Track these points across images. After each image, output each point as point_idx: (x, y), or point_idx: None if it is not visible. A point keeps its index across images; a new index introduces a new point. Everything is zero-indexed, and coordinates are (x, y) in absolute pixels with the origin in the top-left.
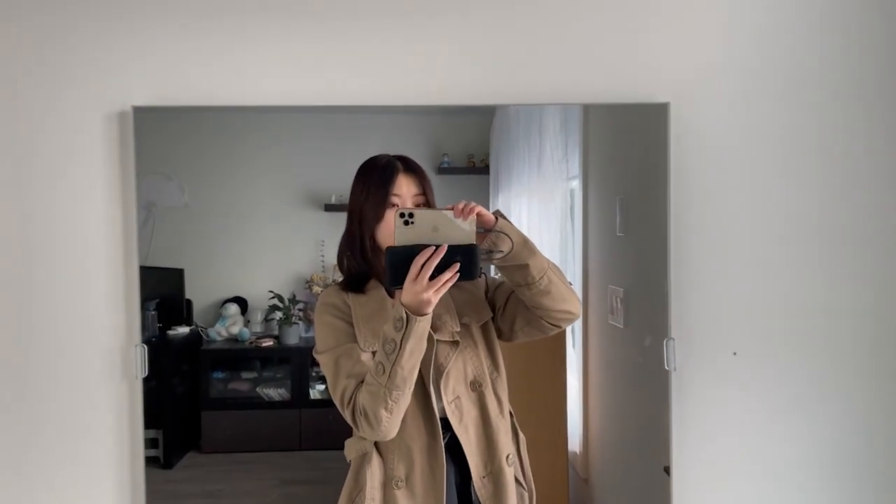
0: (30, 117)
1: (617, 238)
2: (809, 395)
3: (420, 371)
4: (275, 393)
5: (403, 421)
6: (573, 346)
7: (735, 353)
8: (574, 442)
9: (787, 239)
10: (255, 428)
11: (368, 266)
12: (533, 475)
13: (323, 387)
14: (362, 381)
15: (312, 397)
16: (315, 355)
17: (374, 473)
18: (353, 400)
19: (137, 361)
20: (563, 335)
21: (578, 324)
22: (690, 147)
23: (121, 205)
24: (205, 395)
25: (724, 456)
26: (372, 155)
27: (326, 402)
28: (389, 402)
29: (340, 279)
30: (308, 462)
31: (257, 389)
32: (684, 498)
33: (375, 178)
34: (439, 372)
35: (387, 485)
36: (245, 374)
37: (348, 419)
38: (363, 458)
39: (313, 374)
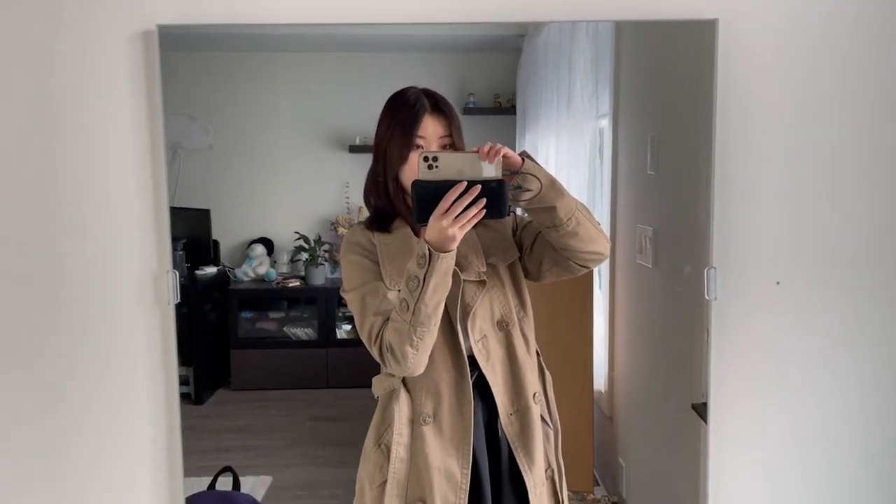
0: (49, 40)
1: (647, 176)
2: (857, 329)
3: (447, 310)
4: (302, 332)
5: (431, 358)
6: (599, 287)
7: (778, 283)
8: (599, 381)
9: (835, 165)
10: (283, 366)
11: (393, 206)
12: (558, 414)
13: (349, 327)
14: (388, 319)
15: (339, 337)
16: (342, 294)
17: (401, 410)
18: (379, 337)
19: (170, 287)
20: (589, 276)
21: (606, 264)
22: (736, 69)
23: (148, 129)
24: (233, 334)
25: (764, 390)
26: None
27: (353, 342)
28: (414, 338)
29: (367, 217)
30: (335, 399)
31: (284, 329)
32: (721, 433)
33: (401, 117)
34: (466, 311)
35: (414, 421)
36: (272, 314)
37: (376, 356)
38: (391, 395)
39: (339, 314)
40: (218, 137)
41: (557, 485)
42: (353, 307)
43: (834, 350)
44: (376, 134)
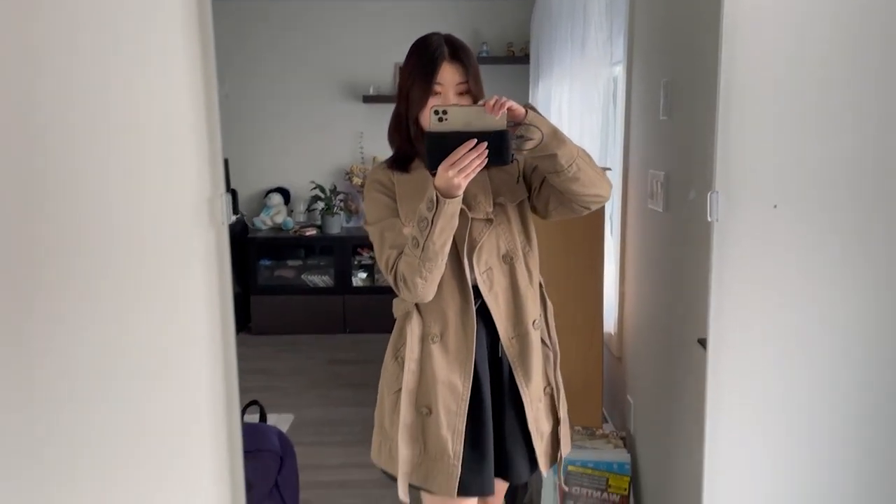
0: None
1: (660, 122)
2: (856, 252)
3: (455, 244)
4: (319, 280)
5: (440, 287)
6: (611, 233)
7: (775, 206)
8: (609, 324)
9: (840, 86)
10: (302, 312)
11: (412, 147)
12: (570, 356)
13: (365, 275)
14: (402, 252)
15: (354, 284)
16: (364, 227)
17: (413, 330)
18: (394, 268)
19: (223, 208)
20: (602, 223)
21: (618, 210)
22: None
23: (200, 59)
24: (253, 281)
25: (764, 313)
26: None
27: (368, 290)
28: (423, 271)
29: (389, 156)
30: (352, 344)
31: (302, 276)
32: (721, 357)
33: (421, 64)
34: (473, 246)
35: (424, 339)
36: (290, 262)
37: (391, 283)
38: (406, 316)
39: (355, 262)
40: (233, 87)
41: (556, 401)
42: (373, 239)
43: (835, 270)
44: (400, 77)
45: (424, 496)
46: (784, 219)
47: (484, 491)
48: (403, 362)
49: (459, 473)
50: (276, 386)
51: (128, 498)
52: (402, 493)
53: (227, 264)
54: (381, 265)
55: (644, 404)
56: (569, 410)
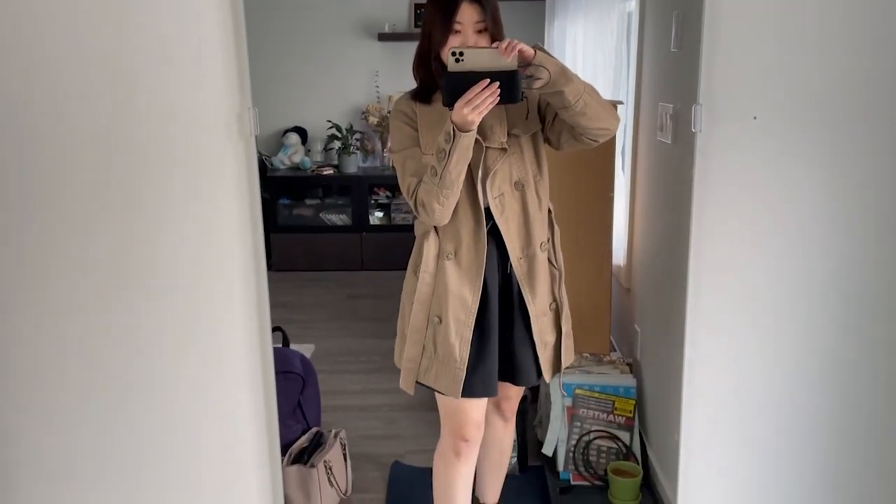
0: None
1: (671, 54)
2: (832, 162)
3: (471, 171)
4: (337, 218)
5: (455, 211)
6: (623, 169)
7: (755, 118)
8: (619, 257)
9: (822, 8)
10: (321, 250)
11: (434, 81)
12: (579, 287)
13: (381, 214)
14: (422, 180)
15: (372, 223)
16: (388, 154)
17: (430, 248)
18: (415, 193)
19: (251, 121)
20: (612, 157)
21: (629, 145)
22: None
23: None
24: (272, 219)
25: (743, 217)
26: None
27: (385, 228)
28: (441, 197)
29: (413, 88)
30: (370, 280)
31: (320, 215)
32: (700, 265)
33: (442, 4)
34: (487, 173)
35: (440, 256)
36: (309, 201)
37: (412, 207)
38: (425, 236)
39: (372, 201)
40: (249, 26)
41: (560, 316)
42: (396, 166)
43: (813, 178)
44: (424, 14)
45: (438, 397)
46: (763, 130)
47: (487, 393)
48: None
49: (464, 377)
50: (298, 319)
51: (169, 402)
52: (403, 384)
53: (255, 171)
54: (403, 191)
55: (650, 333)
56: (579, 339)
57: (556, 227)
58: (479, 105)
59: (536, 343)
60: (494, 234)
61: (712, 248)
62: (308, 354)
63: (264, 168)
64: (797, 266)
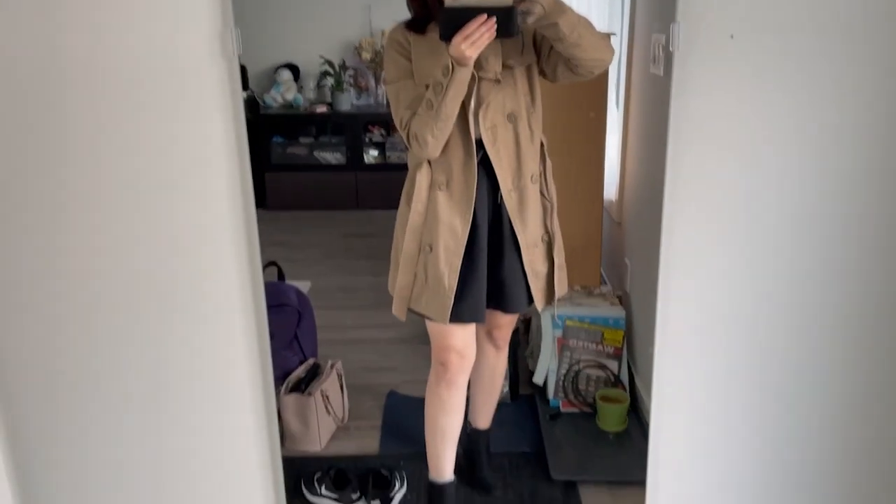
0: None
1: None
2: (810, 81)
3: (463, 102)
4: (331, 157)
5: (447, 142)
6: (617, 106)
7: (732, 37)
8: (610, 191)
9: None
10: (315, 189)
11: (429, 11)
12: (571, 220)
13: (376, 152)
14: (416, 112)
15: (366, 161)
16: (384, 84)
17: (422, 178)
18: (408, 126)
19: (234, 41)
20: (604, 91)
21: (622, 77)
22: None
23: None
24: (266, 158)
25: (719, 138)
26: None
27: (380, 166)
28: (435, 130)
29: (408, 18)
30: (365, 219)
31: (314, 154)
32: (677, 184)
33: None
34: (479, 104)
35: (432, 187)
36: (302, 139)
37: (404, 139)
38: (418, 167)
39: (366, 139)
40: None
41: (553, 248)
42: (390, 97)
43: (789, 98)
44: None
45: (427, 323)
46: (741, 49)
47: (475, 319)
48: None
49: (452, 304)
50: (293, 258)
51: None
52: (396, 310)
53: (240, 92)
54: (396, 122)
55: (640, 266)
56: (569, 272)
57: (547, 160)
58: (476, 40)
59: (528, 273)
60: (486, 166)
61: (689, 164)
62: (305, 291)
63: (256, 106)
64: (774, 188)
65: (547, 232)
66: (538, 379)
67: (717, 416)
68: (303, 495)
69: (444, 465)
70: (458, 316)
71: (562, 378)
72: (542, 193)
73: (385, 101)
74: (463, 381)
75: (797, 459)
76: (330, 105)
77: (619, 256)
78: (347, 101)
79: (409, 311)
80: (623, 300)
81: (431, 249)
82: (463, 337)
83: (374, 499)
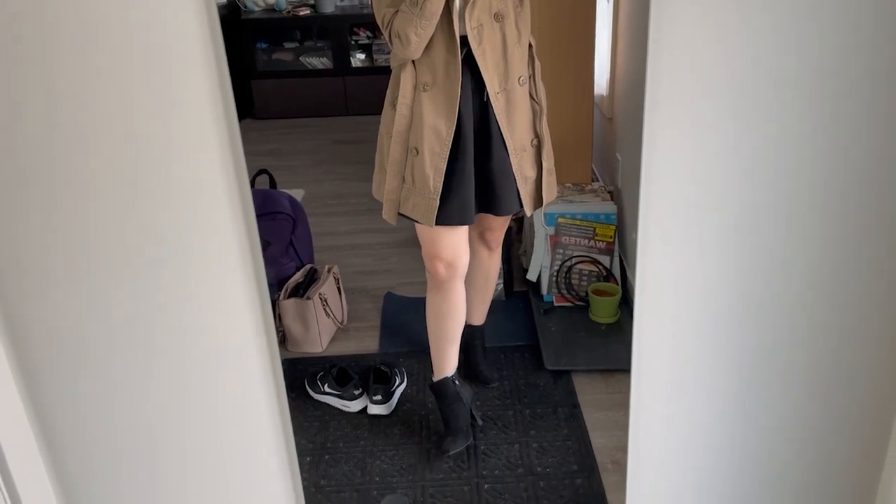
0: None
1: None
2: None
3: (448, 1)
4: (317, 62)
5: (432, 42)
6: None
7: None
8: (601, 86)
9: None
10: (303, 95)
11: None
12: (561, 117)
13: (363, 55)
14: (398, 10)
15: (354, 65)
16: None
17: (407, 79)
18: (390, 24)
19: None
20: None
21: None
22: None
23: None
24: (251, 65)
25: (697, 44)
26: None
27: (367, 70)
28: (418, 28)
29: None
30: (354, 124)
31: (300, 59)
32: (658, 69)
33: None
34: (465, 1)
35: (416, 88)
36: (287, 45)
37: (386, 38)
38: (401, 68)
39: (353, 42)
40: None
41: (542, 152)
42: None
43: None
44: None
45: (417, 227)
46: None
47: (463, 221)
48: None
49: (438, 206)
50: (284, 165)
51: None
52: (386, 215)
53: (215, 12)
54: (378, 20)
55: (631, 161)
56: (561, 169)
57: (536, 62)
58: None
59: (517, 177)
60: (470, 66)
61: (670, 52)
62: (298, 199)
63: (237, 11)
64: (763, 75)
65: (536, 136)
66: (532, 276)
67: (702, 296)
68: (307, 394)
69: (446, 364)
70: (445, 219)
71: (555, 274)
72: (531, 96)
73: (369, 1)
74: (456, 286)
75: (785, 337)
76: (313, 7)
77: (610, 152)
78: (331, 3)
79: (400, 215)
80: (614, 195)
81: (418, 152)
82: (452, 245)
83: (375, 394)
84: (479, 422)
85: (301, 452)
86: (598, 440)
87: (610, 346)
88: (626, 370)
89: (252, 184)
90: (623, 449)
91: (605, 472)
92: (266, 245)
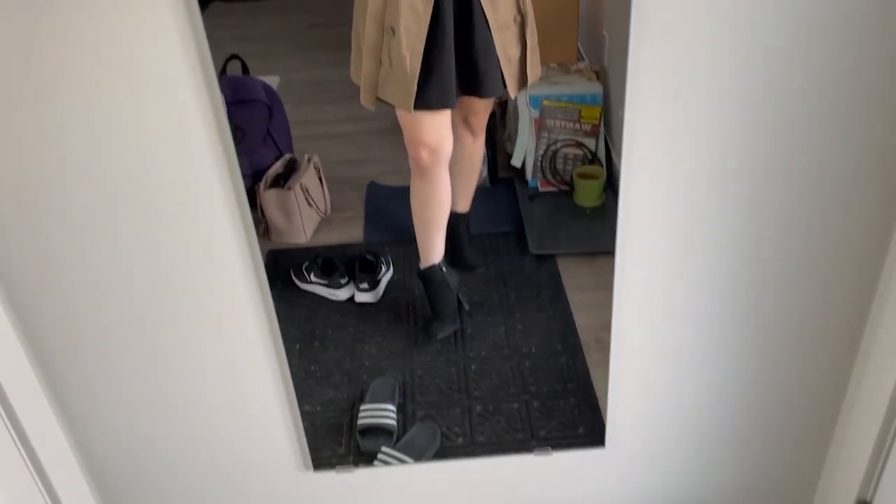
0: None
1: None
2: None
3: None
4: None
5: None
6: None
7: None
8: None
9: None
10: None
11: None
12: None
13: None
14: None
15: None
16: None
17: None
18: None
19: None
20: None
21: None
22: None
23: None
24: None
25: None
26: None
27: None
28: None
29: None
30: (330, 5)
31: None
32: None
33: None
34: None
35: None
36: None
37: None
38: None
39: None
40: None
41: (526, 29)
42: None
43: None
44: None
45: (398, 114)
46: None
47: (444, 105)
48: None
49: (416, 90)
50: (256, 51)
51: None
52: (363, 100)
53: None
54: None
55: (619, 37)
56: (544, 48)
57: None
58: None
59: (500, 57)
60: None
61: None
62: (274, 86)
63: None
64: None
65: (519, 12)
66: (516, 161)
67: (689, 177)
68: (294, 284)
69: (433, 252)
70: (425, 102)
71: (539, 158)
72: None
73: None
74: (440, 172)
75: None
76: None
77: (597, 28)
78: None
79: (378, 100)
80: (600, 75)
81: (394, 33)
82: (435, 129)
83: (361, 282)
84: (466, 306)
85: (290, 340)
86: (582, 320)
87: (594, 229)
88: (610, 252)
89: (223, 70)
90: (606, 328)
91: (588, 350)
92: (243, 134)
